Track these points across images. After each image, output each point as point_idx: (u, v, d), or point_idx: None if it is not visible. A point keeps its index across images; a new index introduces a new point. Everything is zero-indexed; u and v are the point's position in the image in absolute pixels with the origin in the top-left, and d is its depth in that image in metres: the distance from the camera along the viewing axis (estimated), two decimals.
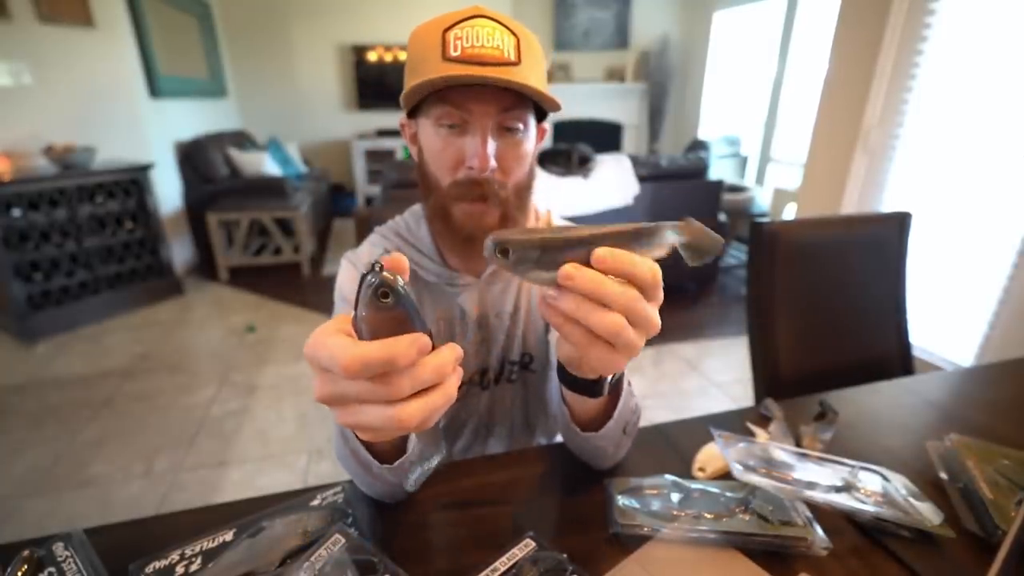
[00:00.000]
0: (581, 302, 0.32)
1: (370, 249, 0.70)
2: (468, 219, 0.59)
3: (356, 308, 0.27)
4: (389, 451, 0.45)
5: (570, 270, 0.31)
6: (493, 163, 0.56)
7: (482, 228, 0.60)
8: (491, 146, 0.56)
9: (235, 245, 3.36)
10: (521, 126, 0.58)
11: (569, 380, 0.46)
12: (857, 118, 2.09)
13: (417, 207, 0.72)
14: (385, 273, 0.26)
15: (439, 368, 0.28)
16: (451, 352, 0.30)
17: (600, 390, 0.45)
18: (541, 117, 0.63)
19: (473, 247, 0.62)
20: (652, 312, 0.34)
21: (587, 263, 0.31)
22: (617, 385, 0.50)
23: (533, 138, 0.62)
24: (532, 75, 0.54)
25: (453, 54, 0.51)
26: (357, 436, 0.43)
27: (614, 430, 0.52)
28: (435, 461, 0.35)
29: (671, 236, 0.33)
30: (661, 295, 0.34)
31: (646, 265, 0.32)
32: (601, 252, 0.31)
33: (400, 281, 0.26)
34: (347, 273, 0.68)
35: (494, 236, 0.31)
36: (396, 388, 0.27)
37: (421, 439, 0.35)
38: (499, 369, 0.72)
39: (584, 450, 0.58)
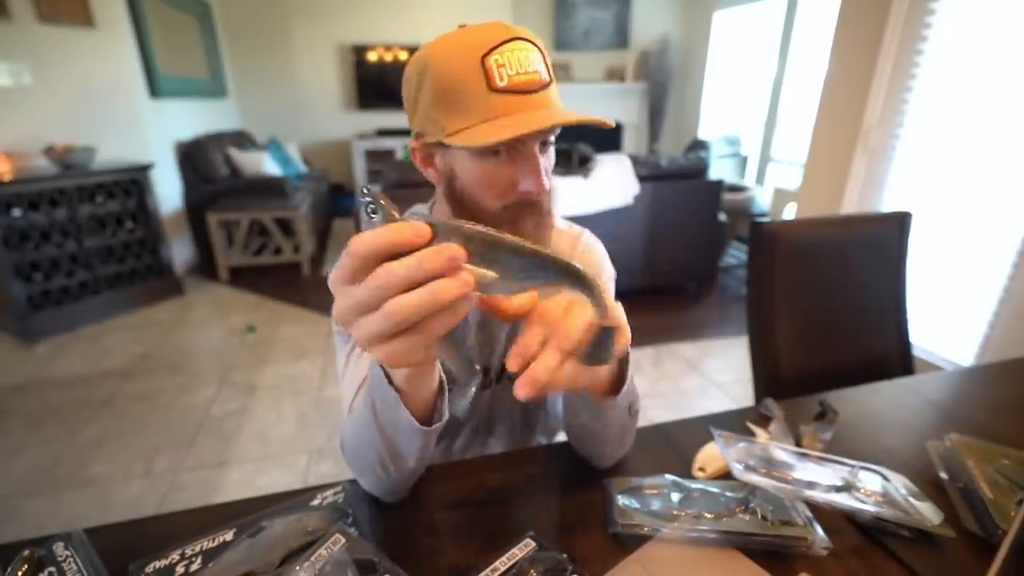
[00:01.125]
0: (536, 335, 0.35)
1: None
2: (513, 233, 0.59)
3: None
4: (424, 412, 0.44)
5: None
6: (547, 184, 0.56)
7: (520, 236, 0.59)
8: (543, 167, 0.55)
9: (235, 245, 3.36)
10: (553, 139, 0.58)
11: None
12: (857, 118, 2.09)
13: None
14: (373, 189, 0.32)
15: (443, 250, 0.29)
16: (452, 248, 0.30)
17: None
18: None
19: None
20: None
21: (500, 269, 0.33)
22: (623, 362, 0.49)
23: None
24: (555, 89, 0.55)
25: (500, 84, 0.50)
26: (401, 395, 0.41)
27: (622, 405, 0.52)
28: (473, 386, 0.38)
29: (579, 294, 0.34)
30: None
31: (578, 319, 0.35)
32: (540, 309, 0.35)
33: (387, 200, 0.32)
34: None
35: (423, 216, 0.32)
36: (429, 261, 0.29)
37: (455, 367, 0.36)
38: (500, 369, 0.72)
39: (588, 436, 0.58)
